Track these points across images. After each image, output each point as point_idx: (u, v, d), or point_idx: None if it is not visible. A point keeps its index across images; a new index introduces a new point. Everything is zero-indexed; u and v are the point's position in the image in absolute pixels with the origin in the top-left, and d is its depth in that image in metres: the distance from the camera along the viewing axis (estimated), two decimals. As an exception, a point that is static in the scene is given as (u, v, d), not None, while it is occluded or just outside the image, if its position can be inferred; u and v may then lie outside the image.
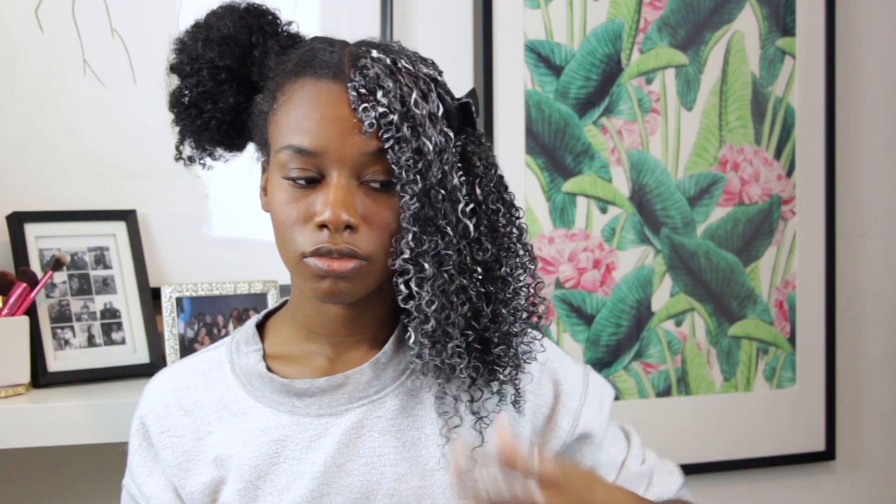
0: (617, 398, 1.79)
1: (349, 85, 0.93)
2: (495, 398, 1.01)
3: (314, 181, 0.95)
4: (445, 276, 0.93)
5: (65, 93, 1.52)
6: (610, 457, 1.13)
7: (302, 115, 0.94)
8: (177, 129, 1.07)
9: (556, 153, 1.76)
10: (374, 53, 0.95)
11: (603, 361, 1.79)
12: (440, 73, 1.00)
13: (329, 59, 0.96)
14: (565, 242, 1.77)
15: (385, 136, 0.92)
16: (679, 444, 1.83)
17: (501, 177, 1.01)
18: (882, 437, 2.03)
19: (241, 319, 1.51)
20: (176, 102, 1.05)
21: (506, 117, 1.73)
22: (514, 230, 0.99)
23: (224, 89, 1.02)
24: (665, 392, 1.83)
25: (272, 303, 1.52)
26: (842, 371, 1.98)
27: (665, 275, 1.83)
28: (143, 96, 1.55)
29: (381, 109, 0.91)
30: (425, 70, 0.97)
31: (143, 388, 1.10)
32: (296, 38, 1.03)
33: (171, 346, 1.47)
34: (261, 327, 1.09)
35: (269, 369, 1.04)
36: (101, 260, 1.49)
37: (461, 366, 0.96)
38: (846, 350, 1.99)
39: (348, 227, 0.93)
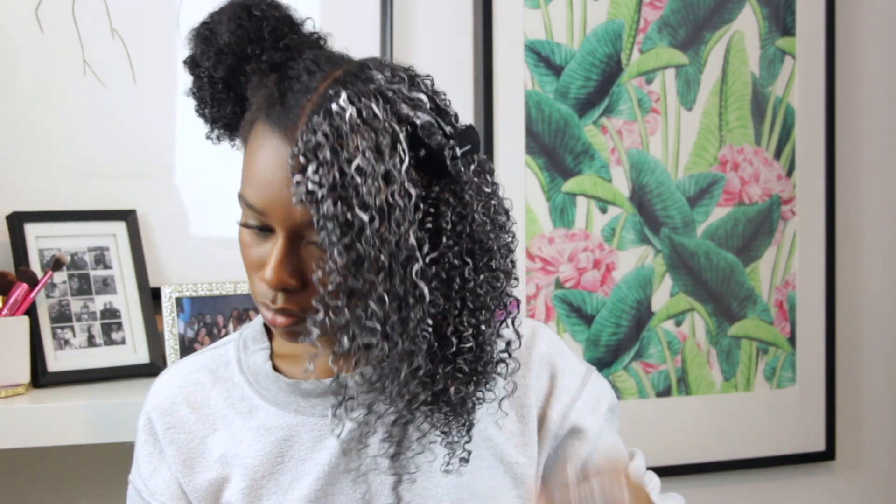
0: (617, 398, 1.79)
1: (290, 151, 0.88)
2: (489, 414, 1.00)
3: (268, 230, 0.93)
4: (386, 345, 0.89)
5: (65, 93, 1.52)
6: (608, 460, 1.09)
7: (253, 167, 0.92)
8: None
9: (556, 153, 1.76)
10: (340, 102, 0.87)
11: (603, 361, 1.79)
12: (434, 106, 0.92)
13: (291, 105, 0.91)
14: (565, 242, 1.77)
15: (311, 211, 0.86)
16: (679, 444, 1.83)
17: (478, 226, 0.92)
18: (882, 437, 2.03)
19: (241, 319, 1.51)
20: (191, 95, 1.03)
21: (506, 117, 1.73)
22: (483, 283, 0.93)
23: (221, 98, 1.00)
24: (665, 392, 1.83)
25: (272, 303, 1.52)
26: (842, 371, 1.98)
27: (665, 275, 1.83)
28: (143, 96, 1.55)
29: (309, 185, 0.86)
30: (405, 111, 0.89)
31: (143, 387, 1.10)
32: (293, 53, 0.96)
33: (171, 346, 1.47)
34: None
35: (275, 368, 1.04)
36: (101, 260, 1.49)
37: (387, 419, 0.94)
38: (846, 350, 1.99)
39: (286, 288, 0.92)
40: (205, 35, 0.97)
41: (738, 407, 1.87)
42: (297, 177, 0.86)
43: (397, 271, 0.87)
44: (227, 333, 1.50)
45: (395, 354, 0.89)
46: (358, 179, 0.85)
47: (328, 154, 0.86)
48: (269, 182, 0.90)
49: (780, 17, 1.90)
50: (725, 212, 1.87)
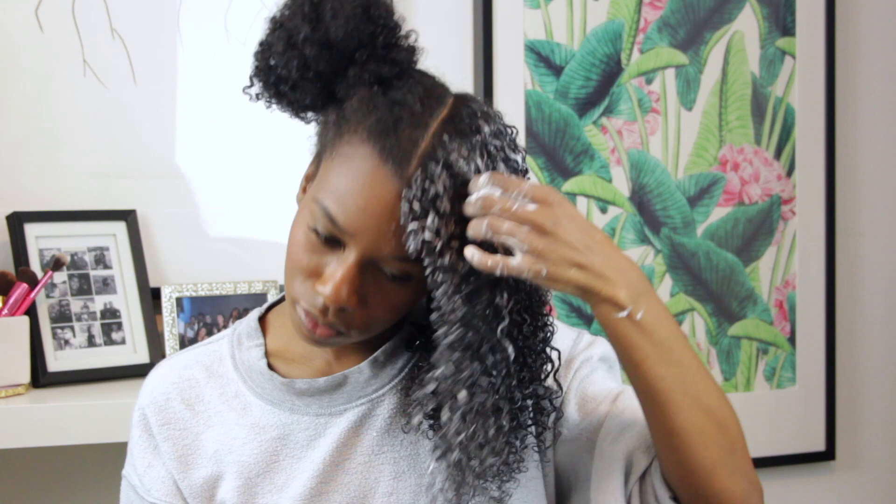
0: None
1: (405, 194, 0.88)
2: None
3: (335, 241, 0.92)
4: (477, 406, 0.90)
5: (65, 93, 1.52)
6: (601, 388, 1.06)
7: (349, 187, 0.90)
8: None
9: (556, 153, 1.76)
10: (453, 156, 0.88)
11: (603, 361, 1.79)
12: (522, 162, 0.94)
13: (405, 138, 0.89)
14: (565, 242, 1.77)
15: (426, 262, 0.88)
16: (679, 444, 1.83)
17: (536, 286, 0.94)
18: (882, 437, 2.03)
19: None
20: (259, 67, 0.96)
21: (506, 117, 1.72)
22: (538, 341, 0.95)
23: (307, 87, 0.95)
24: (665, 392, 1.83)
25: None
26: (842, 371, 1.98)
27: (665, 275, 1.83)
28: (143, 96, 1.55)
29: (427, 236, 0.87)
30: (502, 167, 0.91)
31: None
32: (401, 69, 0.94)
33: (171, 346, 1.47)
34: (263, 319, 1.08)
35: (270, 366, 1.04)
36: (101, 260, 1.49)
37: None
38: (846, 350, 1.99)
39: (343, 308, 0.92)
40: (311, 17, 0.92)
41: (738, 407, 1.85)
42: (413, 224, 0.87)
43: (492, 327, 0.89)
44: (227, 333, 1.50)
45: (489, 408, 0.90)
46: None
47: (447, 206, 0.87)
48: (364, 208, 0.89)
49: (780, 17, 1.90)
50: (725, 212, 1.87)
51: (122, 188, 1.54)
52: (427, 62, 0.98)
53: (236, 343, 1.06)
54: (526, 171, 0.95)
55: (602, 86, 1.79)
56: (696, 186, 1.85)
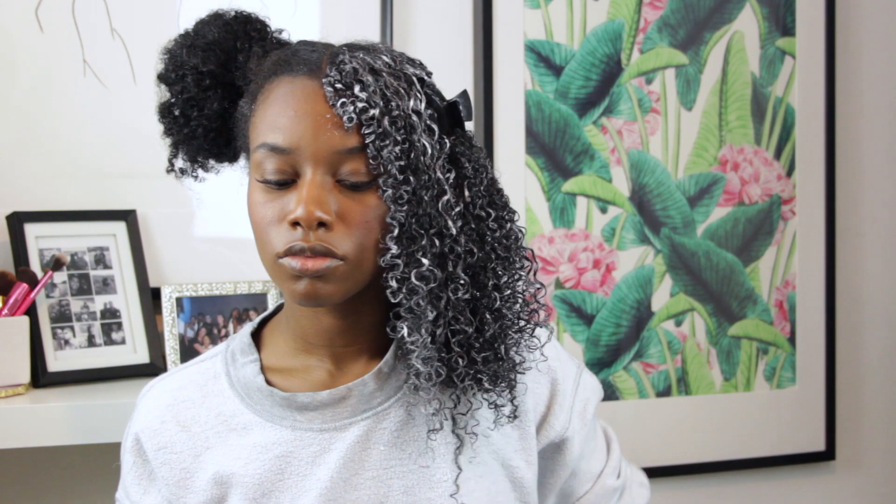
0: (617, 398, 1.79)
1: (324, 80, 0.91)
2: (490, 411, 0.99)
3: (288, 182, 0.92)
4: (437, 274, 0.91)
5: (65, 93, 1.52)
6: (590, 466, 1.12)
7: (276, 112, 0.92)
8: (167, 140, 1.06)
9: (556, 153, 1.76)
10: (355, 52, 0.94)
11: (603, 361, 1.79)
12: (428, 73, 0.98)
13: (307, 57, 0.94)
14: (565, 242, 1.77)
15: (366, 131, 0.89)
16: (679, 444, 1.83)
17: (494, 180, 0.98)
18: (882, 437, 2.03)
19: (241, 319, 1.51)
20: (164, 112, 1.04)
21: (506, 117, 1.73)
22: (508, 235, 0.96)
23: (208, 95, 1.01)
24: (665, 392, 1.83)
25: (272, 303, 1.52)
26: (842, 371, 1.98)
27: (665, 275, 1.83)
28: (143, 96, 1.55)
29: (360, 104, 0.89)
30: (411, 70, 0.95)
31: (143, 388, 1.10)
32: (283, 44, 1.02)
33: (171, 346, 1.47)
34: (256, 335, 1.06)
35: (268, 382, 1.01)
36: (101, 260, 1.49)
37: (434, 372, 0.93)
38: (846, 350, 1.99)
39: (322, 224, 0.90)
40: (188, 43, 1.02)
41: (738, 407, 1.87)
42: (343, 99, 0.90)
43: (435, 204, 0.91)
44: (227, 334, 1.50)
45: (441, 292, 0.91)
46: (398, 104, 0.91)
47: (370, 78, 0.91)
48: (300, 115, 0.91)
49: (780, 17, 1.90)
50: (725, 212, 1.87)
51: (122, 188, 1.54)
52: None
53: (230, 360, 1.04)
54: (430, 74, 0.98)
55: (602, 86, 1.79)
56: (696, 186, 1.85)
